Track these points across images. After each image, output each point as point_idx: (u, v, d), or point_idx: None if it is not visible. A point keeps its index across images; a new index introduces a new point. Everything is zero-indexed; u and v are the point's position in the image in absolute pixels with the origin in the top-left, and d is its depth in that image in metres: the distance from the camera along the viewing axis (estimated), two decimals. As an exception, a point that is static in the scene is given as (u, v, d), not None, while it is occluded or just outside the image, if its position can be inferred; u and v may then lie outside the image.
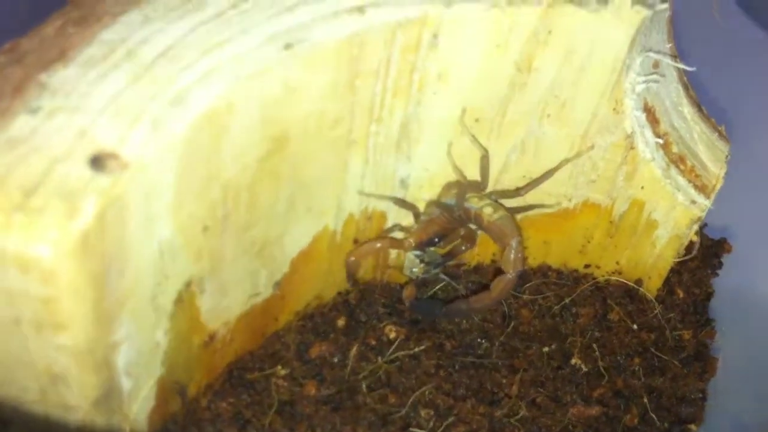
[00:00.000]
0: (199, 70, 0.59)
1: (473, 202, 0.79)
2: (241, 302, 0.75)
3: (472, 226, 0.83)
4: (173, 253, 0.62)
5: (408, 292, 0.82)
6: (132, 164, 0.54)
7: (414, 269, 0.81)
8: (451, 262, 0.86)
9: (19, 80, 0.56)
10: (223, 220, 0.66)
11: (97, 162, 0.53)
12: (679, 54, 0.79)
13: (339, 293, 0.85)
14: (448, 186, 0.79)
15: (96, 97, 0.56)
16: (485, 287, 0.85)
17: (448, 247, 0.84)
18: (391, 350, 0.82)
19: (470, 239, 0.84)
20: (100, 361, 0.60)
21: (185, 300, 0.67)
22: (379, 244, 0.80)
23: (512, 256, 0.79)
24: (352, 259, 0.81)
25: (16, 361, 0.58)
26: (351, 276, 0.84)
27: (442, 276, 0.85)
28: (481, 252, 0.89)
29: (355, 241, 0.81)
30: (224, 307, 0.73)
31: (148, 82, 0.58)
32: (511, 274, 0.79)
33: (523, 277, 0.89)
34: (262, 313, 0.78)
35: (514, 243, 0.78)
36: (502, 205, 0.80)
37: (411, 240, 0.80)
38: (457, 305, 0.83)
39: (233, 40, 0.61)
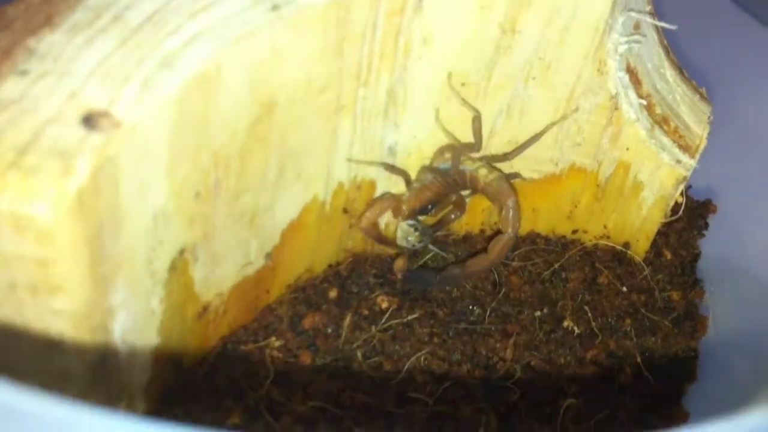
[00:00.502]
0: (187, 34, 0.59)
1: (467, 165, 0.79)
2: (233, 273, 0.75)
3: (464, 193, 0.83)
4: (166, 218, 0.63)
5: (399, 264, 0.83)
6: (124, 123, 0.54)
7: (409, 238, 0.81)
8: (440, 232, 0.87)
9: (7, 45, 0.56)
10: (214, 187, 0.66)
11: (90, 121, 0.53)
12: (658, 18, 0.80)
13: (330, 265, 0.86)
14: (441, 150, 0.80)
15: (84, 60, 0.56)
16: (475, 255, 0.85)
17: (439, 216, 0.85)
18: (384, 319, 0.82)
19: (460, 206, 0.84)
20: (97, 327, 0.60)
21: (179, 268, 0.67)
22: (386, 203, 0.81)
23: (510, 214, 0.79)
24: (363, 225, 0.81)
25: (11, 328, 0.58)
26: (377, 239, 0.83)
27: (431, 246, 0.86)
28: (470, 221, 0.90)
29: (345, 211, 0.81)
30: (217, 277, 0.73)
31: (135, 46, 0.58)
32: (509, 234, 0.80)
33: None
34: (254, 286, 0.78)
35: (510, 202, 0.79)
36: (495, 166, 0.80)
37: (404, 207, 0.80)
38: (451, 271, 0.83)
39: (219, 3, 0.61)
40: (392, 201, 0.81)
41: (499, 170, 0.80)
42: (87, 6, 0.60)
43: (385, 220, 0.85)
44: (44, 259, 0.54)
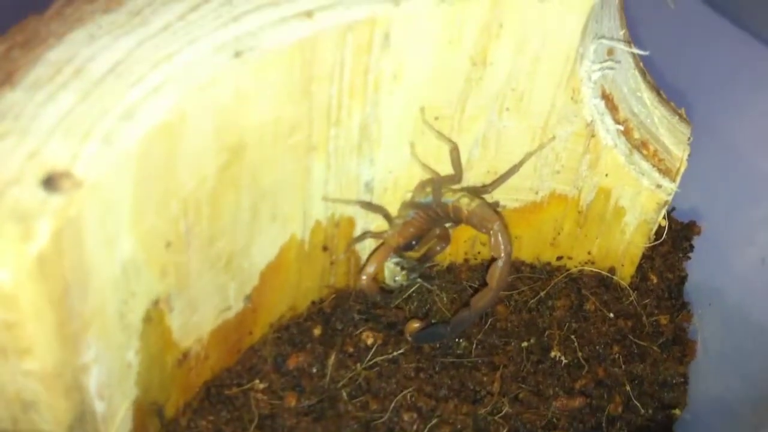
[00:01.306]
0: (149, 84, 0.58)
1: (448, 196, 0.78)
2: (213, 318, 0.74)
3: (447, 225, 0.82)
4: (137, 271, 0.62)
5: (411, 328, 0.81)
6: (86, 182, 0.53)
7: (397, 278, 0.81)
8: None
9: (-33, 106, 0.56)
10: (186, 235, 0.65)
11: (50, 183, 0.52)
12: (633, 40, 0.79)
13: (313, 302, 0.85)
14: (422, 185, 0.79)
15: (45, 117, 0.55)
16: (477, 291, 0.84)
17: (423, 250, 0.84)
18: (369, 356, 0.81)
19: (445, 238, 0.84)
20: (70, 385, 0.59)
21: (154, 318, 0.66)
22: (381, 254, 0.81)
23: (499, 238, 0.78)
24: (365, 284, 0.81)
25: (-17, 391, 0.57)
26: (374, 295, 0.83)
27: (418, 279, 0.85)
28: (453, 252, 0.89)
29: (324, 249, 0.81)
30: (195, 323, 0.72)
31: (97, 99, 0.57)
32: (502, 259, 0.79)
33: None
34: (235, 328, 0.78)
35: (496, 226, 0.78)
36: (476, 194, 0.79)
37: (389, 246, 0.80)
38: (460, 315, 0.82)
39: (181, 51, 0.60)
40: (385, 250, 0.80)
41: (481, 198, 0.79)
42: (48, 60, 0.59)
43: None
44: (10, 322, 0.53)
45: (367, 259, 0.82)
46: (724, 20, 0.94)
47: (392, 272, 0.81)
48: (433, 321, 0.84)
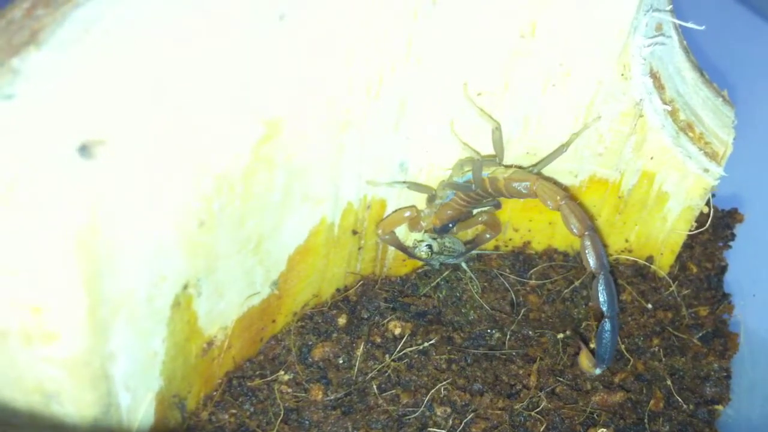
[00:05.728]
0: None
1: (484, 171, 0.74)
2: (239, 304, 0.70)
3: (484, 209, 0.78)
4: (168, 251, 0.57)
5: (586, 364, 0.76)
6: (121, 151, 0.48)
7: (421, 251, 0.79)
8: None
9: (-11, 66, 0.50)
10: (218, 214, 0.60)
11: (85, 150, 0.48)
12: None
13: (338, 290, 0.80)
14: (460, 163, 0.74)
15: (75, 81, 0.50)
16: (491, 275, 0.80)
17: (471, 235, 0.82)
18: (398, 347, 0.76)
19: (496, 226, 0.81)
20: (96, 374, 0.54)
21: (182, 304, 0.62)
22: (407, 213, 0.76)
23: (547, 191, 0.73)
24: (380, 231, 0.77)
25: (2, 380, 0.52)
26: (398, 248, 0.79)
27: (464, 265, 0.82)
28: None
29: (354, 232, 0.76)
30: (221, 310, 0.68)
31: (131, 63, 0.52)
32: (559, 204, 0.72)
33: (528, 261, 0.85)
34: (259, 316, 0.73)
35: (537, 185, 0.72)
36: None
37: (424, 224, 0.77)
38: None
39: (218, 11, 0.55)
40: (413, 210, 0.77)
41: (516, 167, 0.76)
42: (76, 19, 0.54)
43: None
44: (38, 305, 0.48)
45: (390, 216, 0.78)
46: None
47: (419, 246, 0.78)
48: (587, 344, 0.78)
